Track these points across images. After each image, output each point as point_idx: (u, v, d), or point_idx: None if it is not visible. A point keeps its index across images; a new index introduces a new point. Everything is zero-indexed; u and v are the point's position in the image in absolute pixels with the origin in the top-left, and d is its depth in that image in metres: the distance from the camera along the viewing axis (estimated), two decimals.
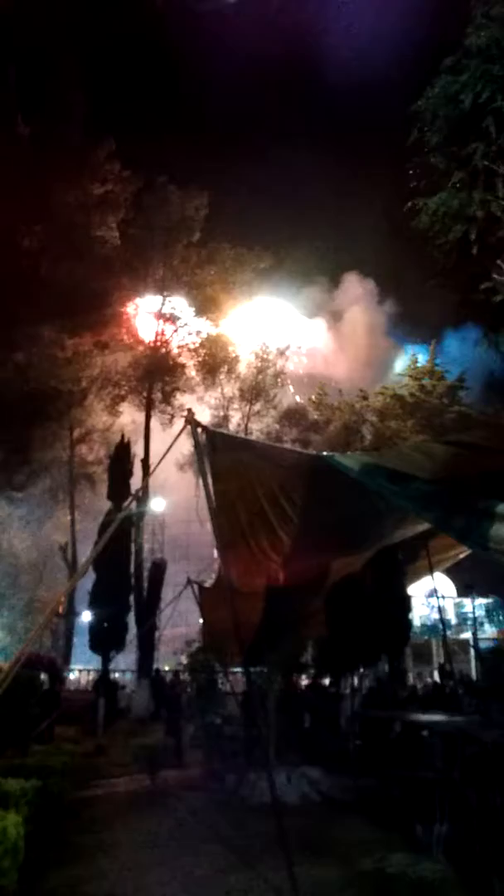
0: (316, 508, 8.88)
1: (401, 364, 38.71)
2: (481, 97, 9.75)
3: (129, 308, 33.22)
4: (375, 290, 53.54)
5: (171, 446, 8.06)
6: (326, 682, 18.05)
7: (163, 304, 33.36)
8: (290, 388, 37.14)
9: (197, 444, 7.76)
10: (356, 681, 15.83)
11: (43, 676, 19.18)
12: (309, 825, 8.72)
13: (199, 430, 7.52)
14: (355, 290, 54.11)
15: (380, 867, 7.21)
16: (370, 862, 7.35)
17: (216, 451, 7.78)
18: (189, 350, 33.40)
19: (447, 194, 10.75)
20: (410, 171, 11.74)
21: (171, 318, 33.54)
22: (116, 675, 26.13)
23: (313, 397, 38.04)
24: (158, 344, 32.97)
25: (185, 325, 33.63)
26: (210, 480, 7.89)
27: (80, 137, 30.79)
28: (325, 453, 8.74)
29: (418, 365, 35.61)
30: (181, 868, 7.40)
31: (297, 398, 37.73)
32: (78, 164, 30.44)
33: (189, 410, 7.45)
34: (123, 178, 32.29)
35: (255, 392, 34.29)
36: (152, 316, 33.39)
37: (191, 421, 7.33)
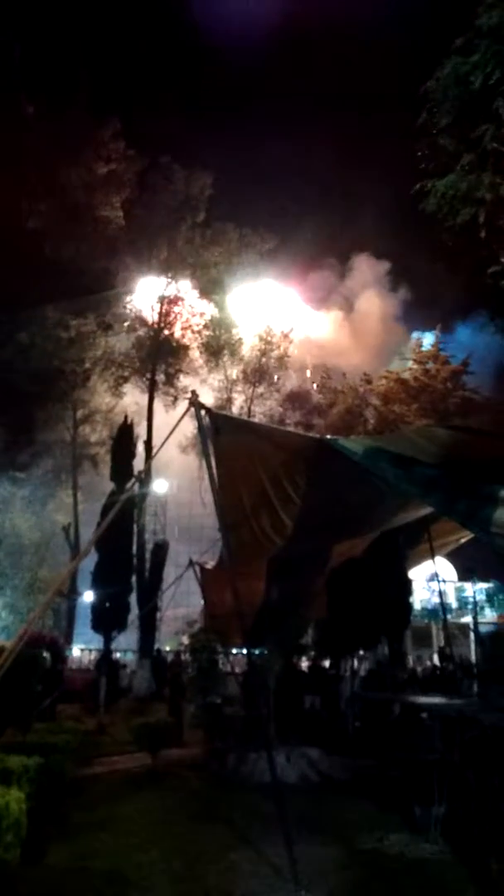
0: (319, 491, 8.88)
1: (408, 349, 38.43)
2: (492, 78, 9.62)
3: (133, 289, 33.06)
4: (384, 274, 53.09)
5: (174, 428, 8.05)
6: (326, 664, 18.15)
7: (167, 285, 33.17)
8: (292, 373, 36.89)
9: (201, 426, 7.75)
10: (356, 663, 15.91)
11: (45, 655, 19.31)
12: (308, 805, 8.80)
13: (203, 411, 7.51)
14: (364, 273, 53.76)
15: (378, 847, 7.31)
16: (369, 841, 7.45)
17: (220, 433, 7.78)
18: (193, 332, 33.28)
19: (456, 176, 10.63)
20: (419, 153, 11.61)
21: (175, 300, 33.37)
22: (118, 654, 26.31)
23: (316, 382, 37.93)
24: (162, 325, 32.84)
25: (190, 306, 33.48)
26: (213, 462, 7.89)
27: (84, 116, 30.53)
28: (328, 437, 8.72)
29: (423, 349, 35.41)
30: (182, 845, 7.48)
31: (314, 385, 37.43)
32: (82, 143, 30.22)
33: (193, 392, 7.42)
34: (128, 157, 32.06)
35: (258, 375, 34.19)
36: (156, 297, 33.21)
37: (195, 403, 7.32)
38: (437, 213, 11.13)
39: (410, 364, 35.11)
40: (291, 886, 6.10)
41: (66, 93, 30.00)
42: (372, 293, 52.31)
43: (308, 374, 40.69)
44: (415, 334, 37.19)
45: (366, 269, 53.26)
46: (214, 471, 7.84)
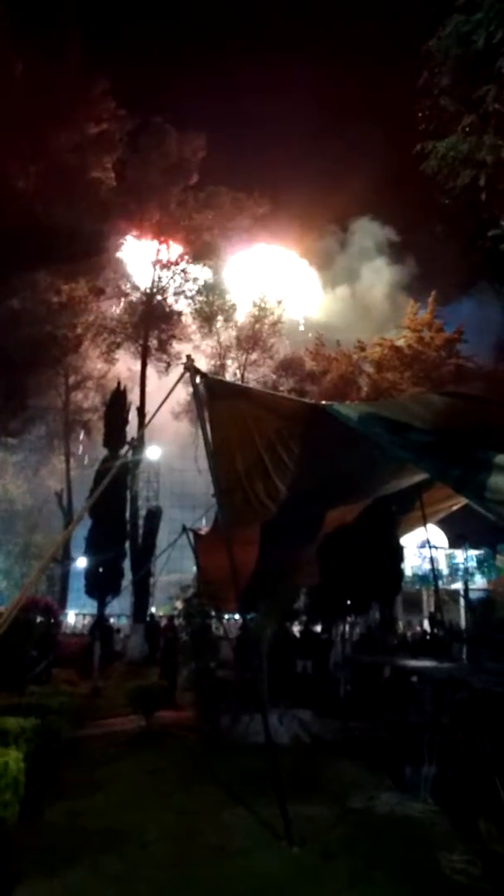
0: (313, 457, 8.88)
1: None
2: (494, 37, 9.38)
3: (125, 253, 32.67)
4: (385, 240, 52.23)
5: (170, 393, 8.00)
6: (318, 629, 18.36)
7: (159, 249, 32.77)
8: (286, 340, 36.55)
9: (196, 391, 7.71)
10: (347, 628, 16.09)
11: (39, 619, 19.44)
12: (300, 765, 8.96)
13: (198, 377, 7.46)
14: (364, 239, 52.98)
15: (369, 806, 7.46)
16: (360, 801, 7.60)
17: (215, 398, 7.73)
18: (186, 297, 32.97)
19: (456, 138, 10.43)
20: (420, 114, 11.35)
21: (168, 265, 32.99)
22: (112, 619, 26.52)
23: (310, 347, 37.63)
24: (155, 291, 32.51)
25: (183, 271, 33.10)
26: (208, 427, 7.86)
27: (74, 75, 29.80)
28: (323, 402, 8.68)
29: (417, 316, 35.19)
30: (176, 804, 7.62)
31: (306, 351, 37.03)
32: (73, 103, 29.51)
33: (188, 357, 7.37)
34: (119, 116, 31.44)
35: (252, 341, 33.96)
36: (148, 262, 32.82)
37: (190, 368, 7.27)
38: (438, 176, 10.94)
39: (405, 332, 34.91)
40: (284, 843, 6.23)
41: (55, 51, 29.24)
42: (372, 261, 51.62)
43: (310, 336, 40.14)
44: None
45: (366, 235, 52.46)
46: (209, 436, 7.82)
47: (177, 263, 33.07)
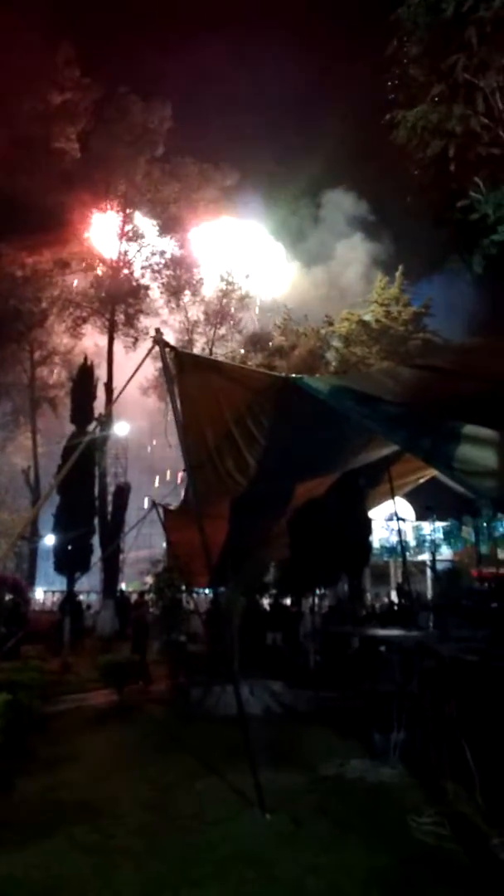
0: (283, 431, 8.88)
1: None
2: (463, 7, 9.33)
3: (91, 226, 32.06)
4: (355, 214, 51.65)
5: (139, 366, 7.93)
6: (287, 602, 18.54)
7: (124, 221, 32.23)
8: (256, 311, 36.34)
9: (165, 365, 7.64)
10: (317, 600, 16.27)
11: (8, 597, 19.33)
12: (272, 735, 9.09)
13: (168, 350, 7.39)
14: (334, 213, 52.39)
15: (340, 773, 7.60)
16: (330, 768, 7.74)
17: (184, 372, 7.68)
18: (153, 271, 32.52)
19: (426, 107, 10.39)
20: (389, 83, 11.28)
21: (134, 237, 32.48)
22: (82, 596, 26.46)
23: (278, 322, 37.50)
24: (121, 264, 32.03)
25: (149, 244, 32.63)
26: (178, 402, 7.81)
27: (37, 42, 29.02)
28: (294, 375, 8.67)
29: (385, 290, 35.22)
30: (149, 776, 7.68)
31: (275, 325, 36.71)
32: (35, 71, 28.76)
33: (157, 330, 7.30)
34: (83, 85, 30.69)
35: (220, 316, 33.73)
36: (115, 235, 32.27)
37: (159, 341, 7.20)
38: (407, 146, 10.90)
39: (373, 306, 34.98)
40: (257, 811, 6.32)
41: (16, 16, 28.42)
42: (344, 235, 51.08)
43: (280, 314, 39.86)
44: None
45: (338, 209, 51.89)
46: (179, 411, 7.78)
47: (143, 237, 32.59)
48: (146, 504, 17.67)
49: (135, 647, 15.49)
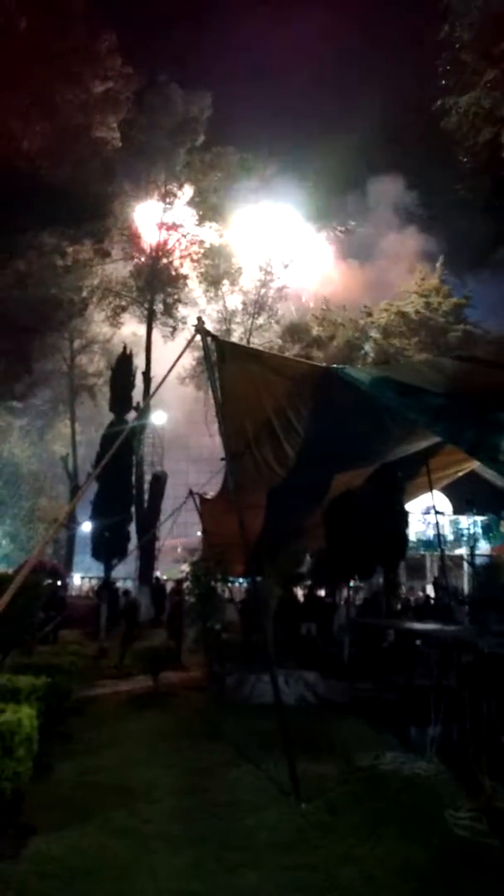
0: (322, 421, 8.85)
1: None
2: None
3: (131, 215, 32.22)
4: (402, 204, 50.46)
5: (181, 354, 7.93)
6: (322, 593, 18.49)
7: (164, 211, 32.32)
8: (292, 305, 36.08)
9: (206, 354, 7.65)
10: (352, 592, 16.21)
11: (47, 582, 19.63)
12: (306, 725, 9.08)
13: (209, 338, 7.39)
14: (379, 203, 51.32)
15: (375, 764, 7.58)
16: (366, 759, 7.72)
17: (225, 361, 7.68)
18: (192, 261, 32.58)
19: (478, 93, 10.18)
20: (440, 69, 11.08)
21: (174, 227, 32.57)
22: (119, 582, 26.80)
23: (317, 313, 37.21)
24: (160, 254, 32.14)
25: (188, 234, 32.68)
26: (219, 390, 7.82)
27: (79, 31, 29.07)
28: (335, 365, 8.61)
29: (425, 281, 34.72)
30: (184, 762, 7.75)
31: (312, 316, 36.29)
32: (78, 60, 28.83)
33: (199, 319, 7.30)
34: (125, 74, 30.71)
35: (258, 306, 33.67)
36: (154, 224, 32.39)
37: (201, 330, 7.20)
38: (458, 132, 10.71)
39: (412, 297, 34.54)
40: (292, 799, 6.33)
41: (60, 6, 28.49)
42: (389, 226, 50.02)
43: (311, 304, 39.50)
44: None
45: (383, 200, 50.81)
46: (220, 399, 7.79)
47: (183, 226, 32.67)
48: (184, 493, 17.73)
49: (171, 634, 15.62)
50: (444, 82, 10.87)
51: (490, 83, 10.07)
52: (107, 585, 21.33)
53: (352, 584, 16.13)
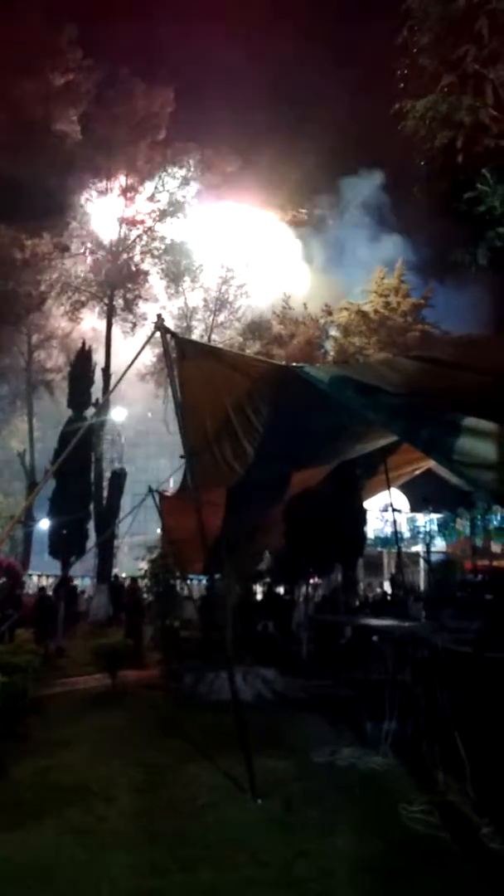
0: (281, 420, 8.87)
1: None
2: None
3: (91, 210, 31.88)
4: (363, 202, 50.76)
5: (140, 351, 7.90)
6: (281, 590, 18.59)
7: (125, 206, 32.03)
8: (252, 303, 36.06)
9: (166, 351, 7.62)
10: (310, 589, 16.31)
11: (2, 580, 19.37)
12: (264, 721, 9.11)
13: (169, 336, 7.37)
14: (342, 203, 51.59)
15: (331, 760, 7.65)
16: (322, 755, 7.79)
17: (185, 358, 7.66)
18: (153, 257, 32.36)
19: (435, 98, 10.33)
20: (398, 72, 11.20)
21: (134, 222, 32.31)
22: (76, 581, 26.53)
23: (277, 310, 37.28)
24: (121, 249, 31.87)
25: (149, 229, 32.45)
26: (178, 388, 7.80)
27: (39, 22, 28.69)
28: (294, 364, 8.66)
29: (384, 281, 35.08)
30: (142, 760, 7.72)
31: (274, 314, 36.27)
32: (38, 51, 28.45)
33: (159, 316, 7.25)
34: (85, 67, 30.44)
35: (219, 303, 33.62)
36: (115, 219, 32.08)
37: (161, 327, 7.16)
38: (415, 136, 10.85)
39: (371, 297, 34.88)
40: (249, 796, 6.37)
41: None
42: (352, 226, 50.21)
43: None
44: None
45: (346, 197, 51.02)
46: (179, 397, 7.77)
47: (143, 221, 32.42)
48: (143, 490, 17.64)
49: (128, 632, 15.54)
50: (401, 86, 11.00)
51: (446, 88, 10.22)
52: (64, 584, 21.09)
53: (311, 581, 16.24)
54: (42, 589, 21.10)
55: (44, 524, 28.46)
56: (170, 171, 32.60)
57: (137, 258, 32.18)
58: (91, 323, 32.88)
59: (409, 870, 5.08)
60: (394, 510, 16.99)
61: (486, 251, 10.90)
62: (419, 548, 23.82)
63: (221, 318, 33.93)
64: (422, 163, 11.41)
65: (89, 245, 31.81)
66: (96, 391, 26.69)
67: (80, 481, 24.62)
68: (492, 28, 9.53)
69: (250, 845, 5.40)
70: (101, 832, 5.68)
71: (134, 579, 18.80)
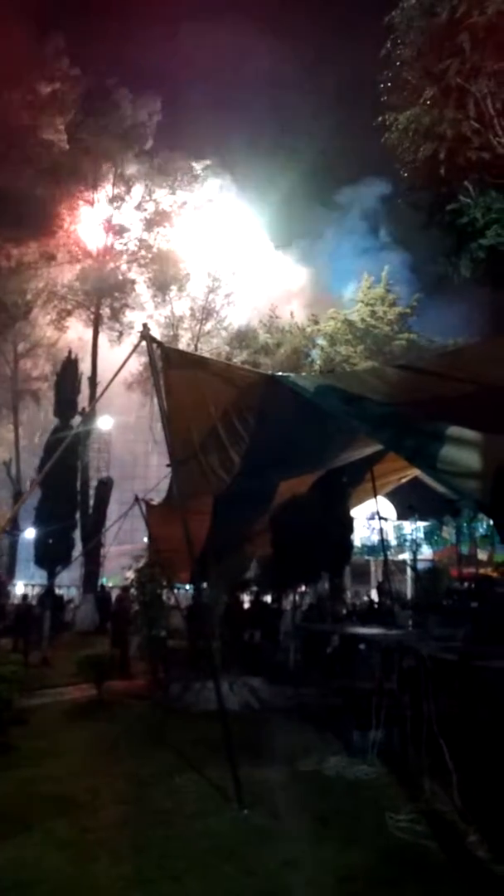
0: (268, 428, 8.91)
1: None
2: (457, 11, 9.40)
3: (78, 218, 31.88)
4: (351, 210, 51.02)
5: (125, 361, 7.92)
6: (268, 599, 18.57)
7: (112, 215, 32.07)
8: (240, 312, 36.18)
9: (152, 360, 7.63)
10: (297, 598, 16.31)
11: None
12: (250, 731, 9.10)
13: (155, 345, 7.39)
14: (330, 212, 51.95)
15: (318, 769, 7.64)
16: (309, 764, 7.78)
17: (171, 367, 7.68)
18: (139, 265, 32.40)
19: (418, 110, 10.44)
20: (381, 85, 11.32)
21: (121, 231, 32.34)
22: (62, 590, 26.39)
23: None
24: (107, 258, 31.88)
25: (136, 238, 32.50)
26: (164, 397, 7.81)
27: (26, 31, 28.81)
28: (280, 374, 8.70)
29: (371, 290, 35.26)
30: (128, 770, 7.68)
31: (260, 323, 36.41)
32: (24, 60, 28.52)
33: (144, 325, 7.29)
34: (72, 76, 30.52)
35: (205, 312, 33.69)
36: (101, 228, 32.10)
37: (146, 336, 7.18)
38: (398, 148, 10.96)
39: (358, 306, 35.07)
40: (235, 806, 6.35)
41: (7, 5, 28.17)
42: (340, 236, 50.54)
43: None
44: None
45: (336, 206, 51.28)
46: (165, 406, 7.78)
47: (130, 230, 32.47)
48: (130, 499, 17.62)
49: (115, 642, 15.45)
50: (384, 98, 11.11)
51: (429, 100, 10.34)
52: (50, 593, 20.98)
53: (298, 589, 16.23)
54: (25, 597, 20.98)
55: (29, 533, 28.33)
56: (156, 180, 32.68)
57: (124, 267, 32.21)
58: (77, 332, 32.87)
59: (395, 879, 5.08)
60: (380, 518, 17.05)
61: (469, 262, 11.00)
62: (406, 556, 23.92)
63: (208, 326, 34.02)
64: (404, 174, 11.51)
65: (76, 253, 31.78)
66: (82, 400, 26.66)
67: (65, 490, 24.55)
68: (473, 42, 9.65)
69: (237, 855, 5.38)
70: (86, 843, 5.63)
71: (123, 588, 18.73)
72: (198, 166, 33.45)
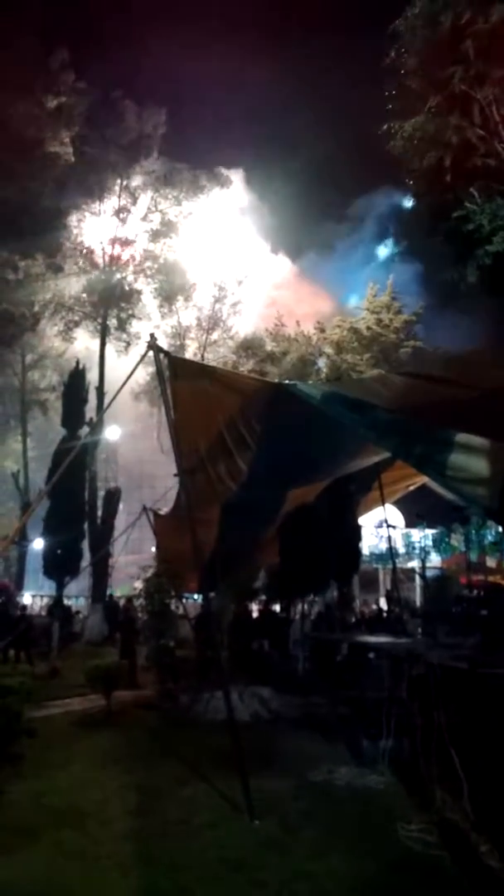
0: (275, 437, 8.91)
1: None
2: (461, 19, 9.44)
3: (84, 230, 32.09)
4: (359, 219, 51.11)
5: (133, 371, 7.94)
6: (277, 608, 18.52)
7: (118, 226, 32.25)
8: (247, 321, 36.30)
9: (159, 370, 7.65)
10: (306, 607, 16.26)
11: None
12: (260, 741, 9.05)
13: (162, 355, 7.41)
14: (338, 220, 52.14)
15: (328, 779, 7.60)
16: (319, 774, 7.73)
17: (178, 377, 7.70)
18: (146, 276, 32.54)
19: (423, 118, 10.48)
20: (386, 94, 11.36)
21: (128, 242, 32.51)
22: (70, 600, 26.37)
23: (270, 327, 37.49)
24: (114, 268, 32.03)
25: (142, 249, 32.66)
26: (171, 407, 7.83)
27: (33, 45, 29.03)
28: (287, 381, 8.71)
29: (377, 298, 35.31)
30: (137, 781, 7.65)
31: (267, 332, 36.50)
32: (31, 74, 28.75)
33: (151, 336, 7.31)
34: (78, 89, 30.74)
35: (212, 322, 33.79)
36: (108, 239, 32.29)
37: (153, 346, 7.21)
38: (404, 156, 10.99)
39: (363, 314, 35.10)
40: (245, 817, 6.31)
41: (13, 20, 28.41)
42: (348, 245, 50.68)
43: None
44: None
45: (343, 215, 51.48)
46: (172, 416, 7.80)
47: (136, 241, 32.63)
48: (138, 509, 17.65)
49: (123, 652, 15.43)
50: (389, 107, 11.15)
51: (434, 108, 10.37)
52: (59, 604, 20.99)
53: (306, 598, 16.18)
54: (24, 608, 20.98)
55: (38, 544, 28.35)
56: (162, 191, 32.86)
57: (130, 278, 32.35)
58: (84, 342, 32.99)
59: (407, 889, 5.04)
60: (388, 526, 16.99)
61: (475, 269, 11.00)
62: (414, 563, 23.79)
63: (215, 336, 34.10)
64: (410, 182, 11.55)
65: (82, 265, 31.95)
66: (90, 410, 26.71)
67: (74, 501, 24.52)
68: (477, 49, 9.68)
69: (248, 866, 5.35)
70: (96, 855, 5.61)
71: (129, 599, 18.72)
72: (203, 177, 33.55)
